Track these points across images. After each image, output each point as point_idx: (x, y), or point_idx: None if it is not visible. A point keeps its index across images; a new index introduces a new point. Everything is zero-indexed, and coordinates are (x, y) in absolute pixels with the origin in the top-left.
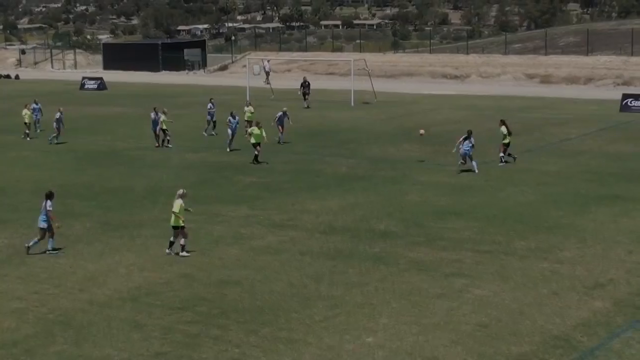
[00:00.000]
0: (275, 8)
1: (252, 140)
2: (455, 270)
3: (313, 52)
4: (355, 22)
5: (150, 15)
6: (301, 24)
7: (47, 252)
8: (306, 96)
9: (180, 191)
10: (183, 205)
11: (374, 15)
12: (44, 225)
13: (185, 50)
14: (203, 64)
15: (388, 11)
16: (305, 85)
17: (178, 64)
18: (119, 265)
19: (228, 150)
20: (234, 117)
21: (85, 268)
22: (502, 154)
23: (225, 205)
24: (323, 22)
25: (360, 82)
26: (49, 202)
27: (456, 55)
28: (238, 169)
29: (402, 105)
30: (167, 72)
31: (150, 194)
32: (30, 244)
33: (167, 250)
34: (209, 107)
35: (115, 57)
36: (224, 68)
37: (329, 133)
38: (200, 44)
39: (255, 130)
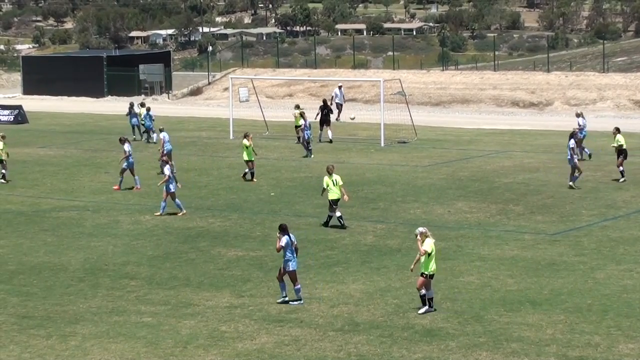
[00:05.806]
0: (270, 6)
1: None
2: None
3: (325, 69)
4: (387, 25)
5: (90, 17)
6: (308, 28)
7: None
8: (323, 125)
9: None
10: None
11: (413, 17)
12: (295, 267)
13: (141, 67)
14: (167, 87)
15: (434, 10)
16: (324, 110)
17: (130, 87)
18: None
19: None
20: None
21: None
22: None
23: (199, 290)
24: (340, 26)
25: (394, 112)
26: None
27: (532, 74)
28: (217, 238)
29: (453, 145)
30: (115, 97)
31: (89, 274)
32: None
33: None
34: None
35: (41, 76)
36: (196, 92)
37: (349, 186)
38: (163, 58)
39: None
